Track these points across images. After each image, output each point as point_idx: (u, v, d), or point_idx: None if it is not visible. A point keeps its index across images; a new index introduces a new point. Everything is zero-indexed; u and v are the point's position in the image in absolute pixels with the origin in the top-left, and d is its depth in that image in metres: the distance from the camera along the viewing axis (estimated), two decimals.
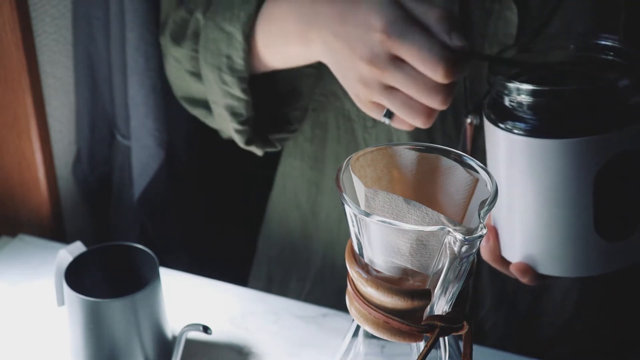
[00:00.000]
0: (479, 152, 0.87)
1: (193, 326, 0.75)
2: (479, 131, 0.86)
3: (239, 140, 0.91)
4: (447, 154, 0.58)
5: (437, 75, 0.70)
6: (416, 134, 0.88)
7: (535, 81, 0.70)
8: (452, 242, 0.51)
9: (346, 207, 0.53)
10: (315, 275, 1.02)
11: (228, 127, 0.91)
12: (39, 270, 0.94)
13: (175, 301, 0.89)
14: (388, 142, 0.89)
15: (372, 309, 0.54)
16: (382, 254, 0.54)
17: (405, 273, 0.54)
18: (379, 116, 0.77)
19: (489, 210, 0.52)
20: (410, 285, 0.55)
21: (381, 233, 0.53)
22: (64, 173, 1.06)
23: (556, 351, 0.96)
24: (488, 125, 0.74)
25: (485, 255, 0.77)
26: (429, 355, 0.53)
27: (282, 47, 0.82)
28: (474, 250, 0.51)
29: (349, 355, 0.59)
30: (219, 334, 0.86)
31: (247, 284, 1.08)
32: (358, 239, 0.55)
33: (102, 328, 0.77)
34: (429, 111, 0.74)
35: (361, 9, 0.73)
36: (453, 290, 0.54)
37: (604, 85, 0.71)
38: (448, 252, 0.51)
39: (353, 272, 0.55)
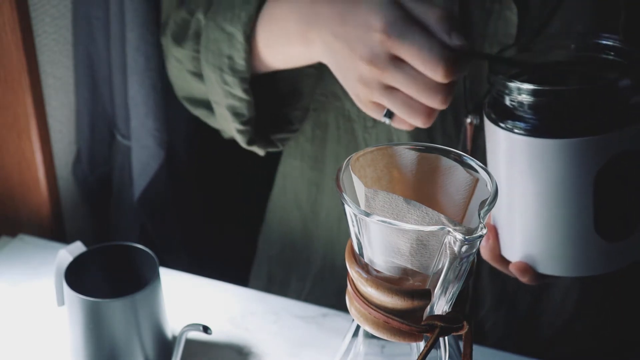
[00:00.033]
0: (479, 151, 0.87)
1: (193, 326, 0.75)
2: (479, 131, 0.86)
3: (241, 141, 0.91)
4: (447, 154, 0.58)
5: (437, 74, 0.70)
6: (416, 134, 0.88)
7: (536, 81, 0.70)
8: (452, 242, 0.51)
9: (346, 207, 0.53)
10: (315, 275, 1.02)
11: (230, 128, 0.91)
12: (39, 270, 0.94)
13: (175, 301, 0.89)
14: (388, 142, 0.89)
15: (372, 309, 0.54)
16: (382, 254, 0.54)
17: (405, 273, 0.54)
18: (379, 116, 0.77)
19: (489, 210, 0.52)
20: (410, 285, 0.55)
21: (381, 233, 0.53)
22: (64, 173, 1.06)
23: (556, 351, 0.96)
24: (488, 125, 0.74)
25: (485, 254, 0.77)
26: (429, 355, 0.53)
27: (282, 47, 0.82)
28: (474, 250, 0.51)
29: (349, 355, 0.59)
30: (219, 334, 0.86)
31: (247, 284, 1.08)
32: (358, 239, 0.55)
33: (102, 328, 0.77)
34: (429, 111, 0.74)
35: (361, 10, 0.73)
36: (453, 290, 0.54)
37: (604, 85, 0.71)
38: (448, 252, 0.51)
39: (353, 272, 0.55)
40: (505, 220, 0.75)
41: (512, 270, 0.75)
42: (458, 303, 0.55)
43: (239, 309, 0.90)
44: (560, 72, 0.76)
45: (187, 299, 0.91)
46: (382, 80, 0.73)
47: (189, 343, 0.85)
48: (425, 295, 0.53)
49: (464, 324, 0.54)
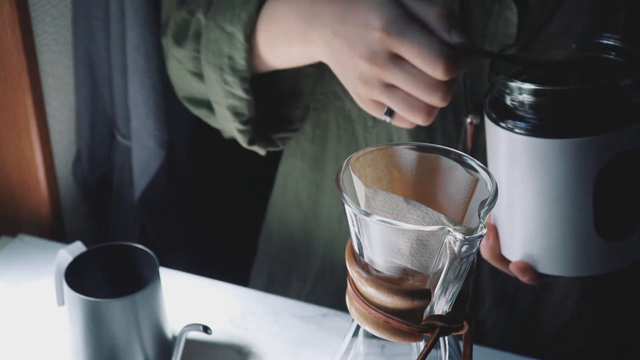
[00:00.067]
0: (480, 151, 0.87)
1: (193, 326, 0.75)
2: (479, 130, 0.86)
3: (242, 140, 0.91)
4: (447, 153, 0.58)
5: (437, 72, 0.70)
6: (416, 134, 0.88)
7: (537, 80, 0.70)
8: (452, 242, 0.51)
9: (346, 207, 0.53)
10: (316, 275, 1.02)
11: (230, 127, 0.91)
12: (39, 270, 0.94)
13: (175, 301, 0.89)
14: (388, 142, 0.90)
15: (372, 308, 0.54)
16: (382, 254, 0.54)
17: (405, 273, 0.54)
18: (379, 114, 0.77)
19: (489, 210, 0.52)
20: (410, 285, 0.55)
21: (381, 233, 0.53)
22: (64, 173, 1.06)
23: (556, 351, 0.96)
24: (489, 124, 0.74)
25: (485, 253, 0.77)
26: (429, 355, 0.53)
27: (283, 47, 0.83)
28: (474, 250, 0.51)
29: (349, 355, 0.59)
30: (219, 334, 0.86)
31: (247, 284, 1.08)
32: (358, 239, 0.55)
33: (102, 328, 0.77)
34: (429, 108, 0.74)
35: (361, 8, 0.73)
36: (453, 290, 0.54)
37: (605, 85, 0.71)
38: (448, 252, 0.51)
39: (353, 272, 0.55)
40: (505, 219, 0.75)
41: (513, 269, 0.75)
42: (458, 303, 0.55)
43: (239, 309, 0.90)
44: (560, 70, 0.76)
45: (187, 299, 0.91)
46: (382, 78, 0.73)
47: (189, 343, 0.85)
48: (425, 295, 0.53)
49: (464, 323, 0.54)
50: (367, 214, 0.52)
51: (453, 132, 0.87)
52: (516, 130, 0.71)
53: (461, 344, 0.56)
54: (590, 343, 0.97)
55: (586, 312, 0.95)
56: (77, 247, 0.81)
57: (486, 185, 0.55)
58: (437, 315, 0.54)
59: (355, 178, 0.55)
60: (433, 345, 0.53)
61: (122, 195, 1.10)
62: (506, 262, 0.77)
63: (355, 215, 0.53)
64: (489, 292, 0.93)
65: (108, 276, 0.83)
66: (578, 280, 0.93)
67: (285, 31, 0.81)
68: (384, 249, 0.53)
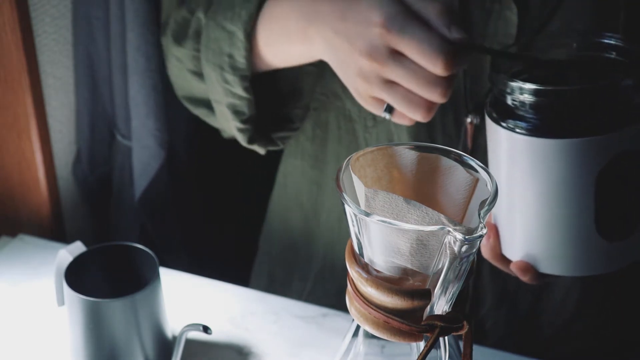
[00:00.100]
0: (480, 151, 0.87)
1: (193, 326, 0.75)
2: (479, 130, 0.86)
3: (242, 139, 0.91)
4: (447, 153, 0.58)
5: (437, 68, 0.70)
6: (416, 134, 0.88)
7: (538, 80, 0.70)
8: (452, 242, 0.51)
9: (346, 207, 0.53)
10: (316, 275, 1.02)
11: (230, 126, 0.91)
12: (39, 270, 0.94)
13: (175, 301, 0.89)
14: (388, 142, 0.90)
15: (372, 309, 0.54)
16: (382, 254, 0.54)
17: (405, 273, 0.54)
18: (379, 111, 0.77)
19: (489, 210, 0.52)
20: (410, 285, 0.55)
21: (381, 233, 0.53)
22: (64, 173, 1.06)
23: (556, 351, 0.96)
24: (490, 124, 0.74)
25: (486, 253, 0.77)
26: (429, 355, 0.53)
27: (283, 45, 0.83)
28: (474, 250, 0.51)
29: (349, 355, 0.59)
30: (219, 334, 0.86)
31: (247, 284, 1.08)
32: (358, 239, 0.55)
33: (102, 328, 0.77)
34: (429, 105, 0.74)
35: (361, 6, 0.73)
36: (453, 290, 0.54)
37: (606, 85, 0.70)
38: (448, 252, 0.51)
39: (353, 272, 0.55)
40: (506, 219, 0.75)
41: (513, 269, 0.75)
42: (458, 303, 0.55)
43: (239, 309, 0.90)
44: (561, 68, 0.75)
45: (187, 299, 0.91)
46: (382, 74, 0.73)
47: (189, 343, 0.85)
48: (425, 295, 0.53)
49: (464, 323, 0.54)
50: (367, 214, 0.52)
51: (453, 132, 0.87)
52: (517, 130, 0.71)
53: (461, 344, 0.56)
54: (590, 343, 0.97)
55: (586, 312, 0.95)
56: (77, 247, 0.81)
57: (486, 185, 0.55)
58: (437, 315, 0.54)
59: (355, 178, 0.55)
60: (433, 345, 0.53)
61: (122, 195, 1.10)
62: (507, 261, 0.77)
63: (355, 215, 0.53)
64: (490, 291, 0.93)
65: (108, 276, 0.83)
66: (578, 280, 0.93)
67: (286, 30, 0.81)
68: (384, 249, 0.53)
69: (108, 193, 1.12)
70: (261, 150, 0.93)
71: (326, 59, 0.79)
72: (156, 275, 0.78)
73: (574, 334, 0.96)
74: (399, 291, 0.53)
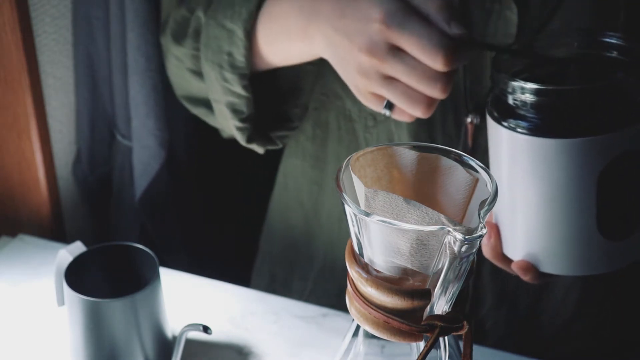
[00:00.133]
0: (480, 151, 0.87)
1: (193, 326, 0.75)
2: (479, 130, 0.86)
3: (240, 138, 0.91)
4: (447, 153, 0.58)
5: (437, 63, 0.70)
6: (416, 133, 0.88)
7: (539, 80, 0.70)
8: (452, 242, 0.51)
9: (346, 207, 0.53)
10: (317, 274, 1.02)
11: (229, 125, 0.91)
12: (39, 270, 0.94)
13: (175, 301, 0.89)
14: (388, 142, 0.89)
15: (372, 308, 0.54)
16: (382, 254, 0.54)
17: (405, 273, 0.54)
18: (379, 108, 0.77)
19: (489, 210, 0.52)
20: (410, 285, 0.55)
21: (381, 233, 0.53)
22: (64, 173, 1.06)
23: (556, 351, 0.96)
24: (491, 123, 0.73)
25: (487, 252, 0.77)
26: (429, 355, 0.53)
27: (283, 44, 0.83)
28: (474, 250, 0.51)
29: (349, 355, 0.59)
30: (219, 334, 0.86)
31: (247, 284, 1.08)
32: (358, 239, 0.55)
33: (102, 328, 0.77)
34: (429, 101, 0.74)
35: (361, 3, 0.73)
36: (453, 290, 0.54)
37: (607, 84, 0.70)
38: (448, 252, 0.51)
39: (353, 272, 0.55)
40: (507, 218, 0.75)
41: (515, 269, 0.75)
42: (458, 303, 0.55)
43: (239, 309, 0.90)
44: (561, 63, 0.75)
45: (187, 299, 0.91)
46: (382, 70, 0.73)
47: (189, 343, 0.85)
48: (425, 295, 0.53)
49: (464, 323, 0.54)
50: (367, 214, 0.52)
51: (453, 132, 0.87)
52: (518, 130, 0.70)
53: (461, 344, 0.56)
54: (590, 343, 0.97)
55: (586, 312, 0.95)
56: (77, 247, 0.81)
57: (486, 185, 0.55)
58: (437, 315, 0.54)
59: (355, 178, 0.55)
60: (433, 345, 0.53)
61: (122, 195, 1.10)
62: (508, 261, 0.77)
63: (355, 215, 0.53)
64: (490, 291, 0.93)
65: (108, 276, 0.83)
66: (578, 280, 0.93)
67: (286, 28, 0.81)
68: (384, 249, 0.53)
69: (108, 193, 1.12)
70: (260, 150, 0.93)
71: (326, 56, 0.79)
72: (156, 275, 0.78)
73: (574, 334, 0.96)
74: (399, 291, 0.53)
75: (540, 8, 0.82)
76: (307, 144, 0.97)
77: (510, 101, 0.71)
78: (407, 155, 0.58)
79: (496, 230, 0.76)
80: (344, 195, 0.53)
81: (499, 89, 0.72)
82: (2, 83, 0.96)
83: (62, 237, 1.05)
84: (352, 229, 0.55)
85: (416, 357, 0.54)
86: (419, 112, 0.74)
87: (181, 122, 1.09)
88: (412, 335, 0.54)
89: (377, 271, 0.55)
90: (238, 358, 0.84)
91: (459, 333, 0.55)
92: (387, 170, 0.58)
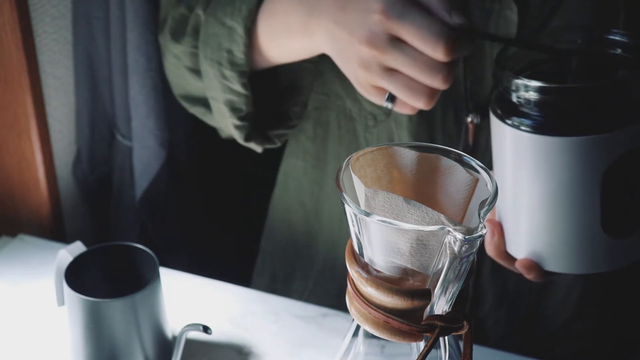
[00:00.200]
0: (480, 151, 0.87)
1: (193, 326, 0.75)
2: (479, 130, 0.86)
3: (238, 137, 0.91)
4: (447, 153, 0.58)
5: (438, 53, 0.70)
6: (417, 133, 0.88)
7: (542, 78, 0.70)
8: (452, 241, 0.51)
9: (346, 206, 0.53)
10: (318, 274, 1.02)
11: (227, 124, 0.91)
12: (39, 270, 0.94)
13: (175, 301, 0.89)
14: (389, 142, 0.89)
15: (372, 308, 0.54)
16: (382, 254, 0.54)
17: (405, 273, 0.54)
18: (380, 101, 0.77)
19: (489, 210, 0.52)
20: (410, 285, 0.55)
21: (381, 233, 0.53)
22: (64, 173, 1.06)
23: (556, 351, 0.96)
24: (494, 121, 0.73)
25: (490, 250, 0.77)
26: (429, 355, 0.53)
27: (284, 40, 0.83)
28: (474, 250, 0.51)
29: (349, 355, 0.59)
30: (219, 334, 0.86)
31: (248, 283, 1.08)
32: (358, 239, 0.55)
33: (102, 328, 0.77)
34: (430, 92, 0.73)
35: None
36: (453, 290, 0.54)
37: (612, 82, 0.70)
38: (448, 251, 0.51)
39: (353, 271, 0.55)
40: (510, 216, 0.75)
41: (518, 267, 0.75)
42: (458, 303, 0.55)
43: (239, 309, 0.90)
44: (564, 55, 0.74)
45: (187, 299, 0.91)
46: (382, 61, 0.73)
47: (189, 343, 0.85)
48: (425, 295, 0.53)
49: (464, 323, 0.54)
50: (367, 214, 0.52)
51: (453, 132, 0.87)
52: (522, 128, 0.70)
53: (461, 344, 0.56)
54: (591, 343, 0.97)
55: (587, 312, 0.95)
56: (77, 247, 0.81)
57: (486, 185, 0.55)
58: (437, 315, 0.54)
59: (355, 178, 0.55)
60: (433, 345, 0.53)
61: (122, 195, 1.10)
62: (511, 259, 0.76)
63: (355, 215, 0.53)
64: (490, 291, 0.93)
65: (108, 276, 0.83)
66: (579, 280, 0.93)
67: (286, 24, 0.81)
68: (384, 249, 0.53)
69: (108, 193, 1.12)
70: (258, 149, 0.93)
71: (327, 51, 0.79)
72: (156, 275, 0.78)
73: (574, 334, 0.96)
74: (399, 291, 0.53)
75: (541, 8, 0.82)
76: (307, 144, 0.97)
77: (514, 99, 0.70)
78: (407, 155, 0.58)
79: (499, 228, 0.76)
80: (344, 195, 0.53)
81: (503, 86, 0.71)
82: (2, 83, 0.96)
83: (62, 237, 1.05)
84: (352, 229, 0.55)
85: (416, 357, 0.54)
86: (420, 104, 0.74)
87: (181, 122, 1.09)
88: (412, 335, 0.54)
89: (377, 271, 0.55)
90: (238, 358, 0.84)
91: (459, 333, 0.55)
92: (387, 170, 0.58)
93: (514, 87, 0.70)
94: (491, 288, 0.93)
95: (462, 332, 0.55)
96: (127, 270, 0.82)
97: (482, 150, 0.87)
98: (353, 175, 0.55)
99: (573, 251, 0.73)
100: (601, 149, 0.69)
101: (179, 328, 0.83)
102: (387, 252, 0.53)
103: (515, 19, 0.82)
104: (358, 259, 0.56)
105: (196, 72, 0.91)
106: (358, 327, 0.58)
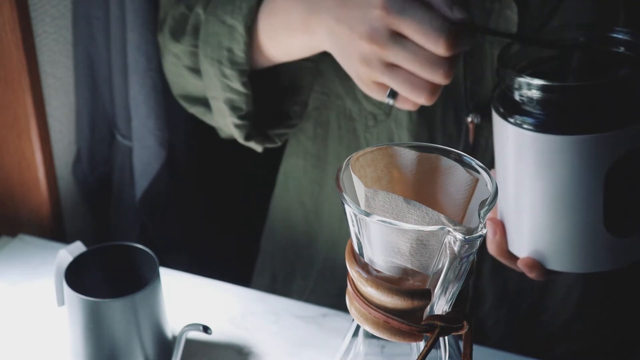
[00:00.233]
0: (480, 151, 0.87)
1: (193, 326, 0.75)
2: (480, 130, 0.86)
3: (238, 136, 0.91)
4: (447, 153, 0.58)
5: (439, 47, 0.70)
6: (417, 133, 0.88)
7: (545, 76, 0.70)
8: (452, 242, 0.51)
9: (346, 207, 0.53)
10: (318, 274, 1.02)
11: (227, 123, 0.91)
12: (39, 270, 0.94)
13: (175, 301, 0.89)
14: (389, 142, 0.89)
15: (372, 308, 0.54)
16: (382, 254, 0.54)
17: (405, 273, 0.54)
18: (382, 97, 0.76)
19: (489, 210, 0.52)
20: (410, 285, 0.55)
21: (381, 233, 0.53)
22: (64, 173, 1.06)
23: (556, 351, 0.96)
24: (497, 119, 0.73)
25: (492, 249, 0.77)
26: (429, 355, 0.53)
27: (285, 38, 0.83)
28: (474, 250, 0.51)
29: (349, 355, 0.59)
30: (219, 334, 0.86)
31: (248, 283, 1.08)
32: (358, 239, 0.55)
33: (102, 328, 0.77)
34: (432, 87, 0.73)
35: None
36: (453, 290, 0.54)
37: (615, 81, 0.70)
38: (448, 252, 0.51)
39: (353, 272, 0.55)
40: (513, 215, 0.75)
41: (520, 266, 0.75)
42: (458, 303, 0.55)
43: (239, 309, 0.90)
44: (566, 48, 0.74)
45: (187, 299, 0.91)
46: (383, 57, 0.73)
47: (189, 343, 0.85)
48: (425, 295, 0.53)
49: (464, 323, 0.54)
50: (367, 214, 0.52)
51: (453, 132, 0.87)
52: (524, 126, 0.70)
53: (461, 344, 0.56)
54: (591, 343, 0.97)
55: (587, 312, 0.95)
56: (77, 247, 0.81)
57: (486, 185, 0.55)
58: (437, 315, 0.54)
59: (355, 178, 0.55)
60: (433, 345, 0.53)
61: (122, 195, 1.10)
62: (513, 258, 0.76)
63: (355, 215, 0.53)
64: (490, 291, 0.93)
65: (108, 276, 0.83)
66: (579, 280, 0.93)
67: (287, 22, 0.81)
68: (384, 249, 0.53)
69: (108, 193, 1.12)
70: (258, 148, 0.93)
71: (328, 48, 0.79)
72: (156, 275, 0.78)
73: (575, 334, 0.96)
74: (399, 291, 0.53)
75: (541, 7, 0.82)
76: (307, 144, 0.97)
77: (517, 97, 0.70)
78: (407, 155, 0.58)
79: (501, 227, 0.76)
80: (344, 195, 0.53)
81: (506, 84, 0.71)
82: (2, 83, 0.96)
83: (62, 237, 1.05)
84: (352, 229, 0.55)
85: (416, 357, 0.54)
86: (422, 99, 0.74)
87: (181, 122, 1.09)
88: (412, 335, 0.54)
89: (377, 271, 0.55)
90: (238, 358, 0.84)
91: (459, 333, 0.55)
92: (387, 170, 0.58)
93: (516, 85, 0.70)
94: (491, 288, 0.93)
95: (462, 332, 0.55)
96: (127, 270, 0.82)
97: (482, 150, 0.87)
98: (353, 175, 0.55)
99: (575, 250, 0.72)
100: (604, 147, 0.68)
101: (179, 328, 0.83)
102: (387, 252, 0.53)
103: (516, 18, 0.82)
104: (358, 259, 0.56)
105: (196, 71, 0.91)
106: (358, 327, 0.58)
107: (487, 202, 0.53)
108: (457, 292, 0.54)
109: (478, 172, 0.56)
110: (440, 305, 0.54)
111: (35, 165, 1.00)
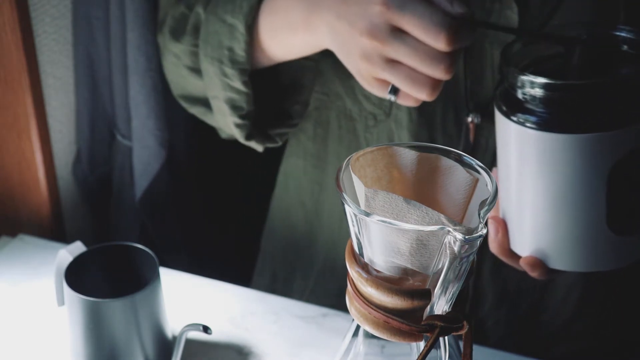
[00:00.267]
0: (480, 151, 0.87)
1: (193, 326, 0.75)
2: (480, 130, 0.86)
3: (239, 135, 0.91)
4: (447, 154, 0.58)
5: (439, 42, 0.70)
6: (417, 133, 0.88)
7: (547, 75, 0.69)
8: (452, 242, 0.51)
9: (346, 207, 0.53)
10: (318, 273, 1.02)
11: (227, 122, 0.91)
12: (39, 270, 0.94)
13: (175, 301, 0.89)
14: (389, 142, 0.89)
15: (372, 308, 0.54)
16: (382, 254, 0.54)
17: (405, 273, 0.54)
18: (383, 94, 0.76)
19: (489, 210, 0.52)
20: (410, 285, 0.55)
21: (381, 233, 0.53)
22: (64, 173, 1.06)
23: (556, 351, 0.96)
24: (499, 118, 0.73)
25: (494, 248, 0.77)
26: (429, 355, 0.53)
27: (285, 36, 0.83)
28: (474, 250, 0.51)
29: (349, 355, 0.59)
30: (219, 334, 0.86)
31: (248, 283, 1.08)
32: (358, 239, 0.55)
33: (102, 328, 0.77)
34: (433, 82, 0.73)
35: None
36: (453, 290, 0.54)
37: (618, 79, 0.70)
38: (448, 252, 0.51)
39: (353, 272, 0.55)
40: (515, 214, 0.74)
41: (522, 265, 0.75)
42: (458, 303, 0.55)
43: (239, 309, 0.90)
44: (569, 43, 0.74)
45: (187, 299, 0.91)
46: (384, 53, 0.73)
47: (189, 343, 0.85)
48: (425, 295, 0.53)
49: (464, 323, 0.54)
50: (367, 214, 0.52)
51: (453, 132, 0.87)
52: (527, 125, 0.70)
53: (461, 344, 0.56)
54: (591, 343, 0.97)
55: (587, 312, 0.95)
56: (77, 247, 0.81)
57: (486, 185, 0.55)
58: (437, 315, 0.54)
59: (355, 178, 0.55)
60: (433, 345, 0.53)
61: (122, 195, 1.10)
62: (515, 257, 0.76)
63: (355, 215, 0.53)
64: (490, 291, 0.93)
65: (108, 276, 0.83)
66: (580, 279, 0.93)
67: (287, 20, 0.81)
68: (384, 249, 0.53)
69: (108, 193, 1.12)
70: (259, 147, 0.93)
71: (329, 46, 0.79)
72: (156, 275, 0.78)
73: (575, 334, 0.96)
74: (399, 291, 0.53)
75: (541, 7, 0.82)
76: (308, 144, 0.97)
77: (520, 95, 0.70)
78: (407, 155, 0.58)
79: (504, 225, 0.76)
80: (344, 195, 0.53)
81: (508, 83, 0.71)
82: (2, 83, 0.96)
83: (62, 237, 1.05)
84: (352, 229, 0.55)
85: (416, 357, 0.54)
86: (423, 95, 0.74)
87: (181, 122, 1.09)
88: (412, 335, 0.54)
89: (377, 271, 0.55)
90: (238, 358, 0.84)
91: (459, 333, 0.55)
92: (387, 170, 0.58)
93: (519, 84, 0.69)
94: (491, 288, 0.93)
95: (462, 332, 0.55)
96: (127, 270, 0.82)
97: (482, 150, 0.87)
98: (353, 175, 0.55)
99: (578, 249, 0.72)
100: (607, 146, 0.68)
101: (179, 328, 0.83)
102: (387, 252, 0.53)
103: (516, 18, 0.82)
104: (358, 259, 0.56)
105: (196, 71, 0.91)
106: (358, 327, 0.58)
107: (487, 202, 0.53)
108: (457, 292, 0.54)
109: (478, 172, 0.56)
110: (440, 305, 0.54)
111: (35, 165, 1.00)
